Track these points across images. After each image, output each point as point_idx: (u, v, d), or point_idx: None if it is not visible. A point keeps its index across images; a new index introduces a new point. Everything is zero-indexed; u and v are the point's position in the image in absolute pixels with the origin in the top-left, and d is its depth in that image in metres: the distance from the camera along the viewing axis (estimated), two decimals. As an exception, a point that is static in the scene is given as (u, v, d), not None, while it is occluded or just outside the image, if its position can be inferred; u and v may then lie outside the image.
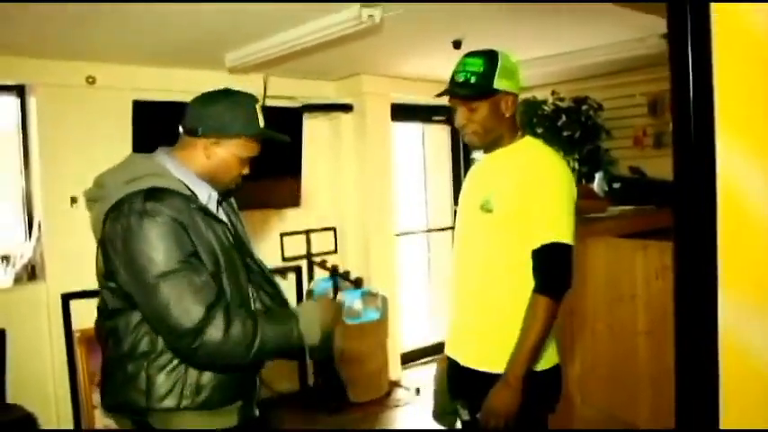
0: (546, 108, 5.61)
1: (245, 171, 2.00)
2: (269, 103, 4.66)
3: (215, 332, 1.74)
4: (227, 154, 1.93)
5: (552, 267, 2.10)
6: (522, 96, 5.77)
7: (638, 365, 3.38)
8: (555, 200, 2.09)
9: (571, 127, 5.45)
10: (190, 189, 1.90)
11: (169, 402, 1.83)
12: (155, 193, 1.79)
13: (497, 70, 2.14)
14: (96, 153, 4.05)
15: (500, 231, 2.15)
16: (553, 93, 5.68)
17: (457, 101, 2.22)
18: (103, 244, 1.85)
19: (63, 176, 4.12)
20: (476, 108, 2.17)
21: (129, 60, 4.21)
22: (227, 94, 1.96)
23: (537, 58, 4.84)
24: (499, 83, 2.14)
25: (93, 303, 3.54)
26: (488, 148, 2.27)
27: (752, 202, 1.09)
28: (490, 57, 2.16)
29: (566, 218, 2.09)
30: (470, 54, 2.20)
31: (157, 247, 1.74)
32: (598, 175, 4.80)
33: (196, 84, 3.91)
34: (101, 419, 4.14)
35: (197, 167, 1.93)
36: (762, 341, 1.09)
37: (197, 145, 1.93)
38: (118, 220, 1.78)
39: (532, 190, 2.10)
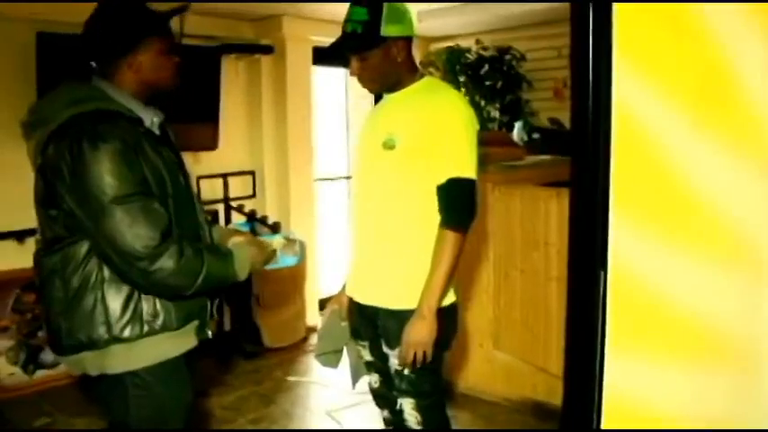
0: (469, 56, 5.62)
1: (176, 59, 1.97)
2: (186, 42, 4.47)
3: (169, 259, 1.76)
4: (149, 58, 1.90)
5: (458, 202, 2.13)
6: (446, 44, 5.79)
7: (550, 311, 3.47)
8: (458, 136, 2.11)
9: (494, 76, 5.49)
10: (133, 113, 1.88)
11: (131, 331, 1.84)
12: (103, 116, 1.78)
13: (383, 17, 2.11)
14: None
15: (403, 167, 2.16)
16: (477, 42, 5.68)
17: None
18: (44, 170, 1.81)
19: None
20: (367, 57, 2.17)
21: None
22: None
23: (460, 5, 4.80)
24: (386, 29, 2.12)
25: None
26: (389, 89, 2.27)
27: (647, 131, 1.11)
28: (375, 3, 2.12)
29: (469, 153, 2.12)
30: (356, 2, 2.16)
31: (111, 171, 1.72)
32: (518, 125, 4.85)
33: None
34: (6, 367, 4.01)
35: (131, 85, 1.90)
36: (654, 273, 1.12)
37: (121, 65, 1.89)
38: (65, 143, 1.74)
39: (436, 126, 2.11)
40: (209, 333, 2.08)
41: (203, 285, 1.85)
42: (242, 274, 1.96)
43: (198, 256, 1.83)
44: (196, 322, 1.99)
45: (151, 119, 1.94)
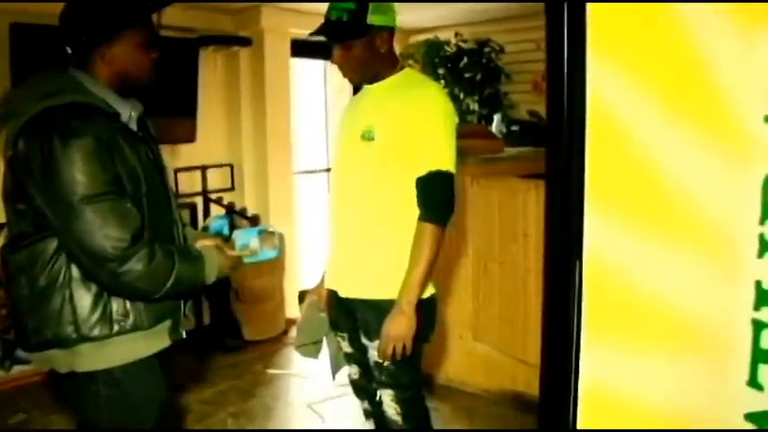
0: (448, 49, 5.63)
1: (154, 54, 1.89)
2: (163, 33, 4.42)
3: (139, 262, 1.71)
4: (127, 50, 1.83)
5: (437, 195, 2.12)
6: (425, 37, 5.79)
7: (529, 302, 3.49)
8: (437, 129, 2.10)
9: (473, 69, 5.49)
10: (110, 107, 1.81)
11: (100, 330, 1.78)
12: (77, 110, 1.70)
13: (370, 6, 2.10)
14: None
15: (381, 159, 2.15)
16: (456, 34, 5.68)
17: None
18: (13, 163, 1.74)
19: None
20: (351, 47, 2.15)
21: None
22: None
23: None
24: (373, 19, 2.11)
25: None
26: (369, 81, 2.26)
27: (621, 123, 1.12)
28: None
29: (448, 146, 2.11)
30: None
31: (82, 170, 1.65)
32: (497, 117, 4.87)
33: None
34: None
35: (106, 78, 1.83)
36: (629, 263, 1.13)
37: (97, 55, 1.81)
38: (36, 137, 1.67)
39: (415, 119, 2.10)
40: (183, 333, 2.03)
41: (172, 289, 1.80)
42: (210, 279, 1.91)
43: (168, 260, 1.78)
44: (168, 322, 1.94)
45: (129, 113, 1.87)
